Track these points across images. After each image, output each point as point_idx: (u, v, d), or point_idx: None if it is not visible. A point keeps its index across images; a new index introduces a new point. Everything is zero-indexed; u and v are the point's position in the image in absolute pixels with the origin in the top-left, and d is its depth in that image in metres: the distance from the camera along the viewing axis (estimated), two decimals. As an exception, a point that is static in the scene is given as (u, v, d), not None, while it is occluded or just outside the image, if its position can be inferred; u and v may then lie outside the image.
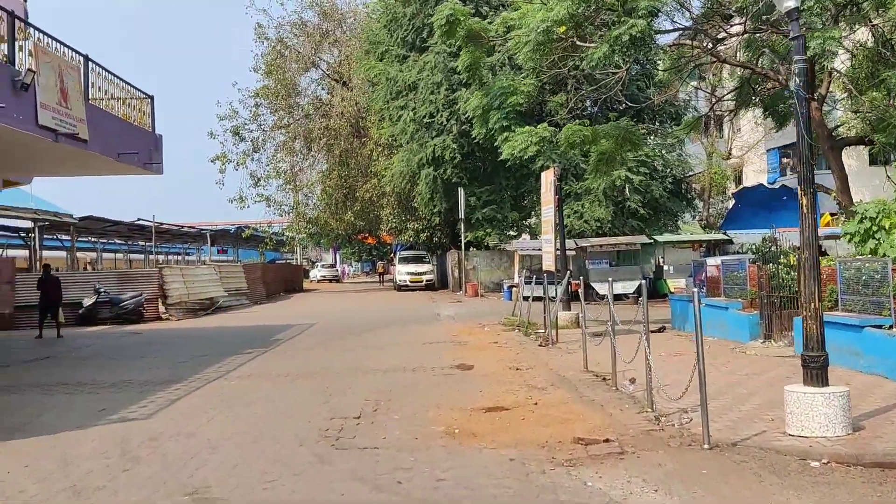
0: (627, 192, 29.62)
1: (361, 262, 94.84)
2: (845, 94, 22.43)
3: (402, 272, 44.11)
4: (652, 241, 30.22)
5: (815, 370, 7.29)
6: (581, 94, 20.85)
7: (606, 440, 7.34)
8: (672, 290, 25.70)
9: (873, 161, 33.82)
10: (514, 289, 27.47)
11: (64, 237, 36.57)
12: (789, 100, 18.50)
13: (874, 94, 17.92)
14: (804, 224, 7.53)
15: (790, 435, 7.20)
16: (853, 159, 31.40)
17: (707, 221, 41.19)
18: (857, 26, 17.30)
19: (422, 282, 43.01)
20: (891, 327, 10.36)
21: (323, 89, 47.88)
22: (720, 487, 5.96)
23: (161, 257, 57.39)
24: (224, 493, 6.24)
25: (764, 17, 15.24)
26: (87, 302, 24.27)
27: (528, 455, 6.98)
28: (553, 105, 26.47)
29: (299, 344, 17.41)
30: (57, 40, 15.02)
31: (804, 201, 7.49)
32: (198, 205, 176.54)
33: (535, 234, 33.99)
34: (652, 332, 9.72)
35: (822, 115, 18.39)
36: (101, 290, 24.65)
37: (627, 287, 26.70)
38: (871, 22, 16.81)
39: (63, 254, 39.31)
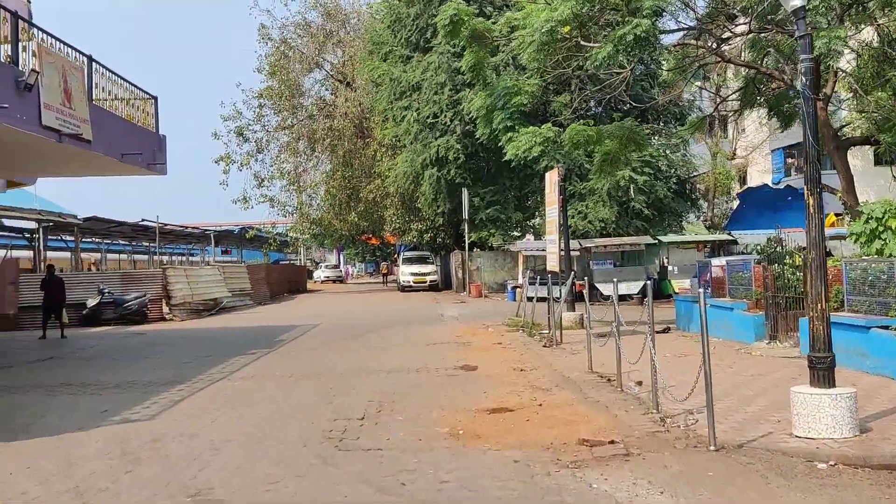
0: (632, 192, 29.55)
1: (365, 262, 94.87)
2: (850, 95, 22.38)
3: (406, 273, 44.08)
4: (656, 241, 30.14)
5: (822, 371, 7.23)
6: (585, 94, 20.84)
7: (612, 442, 7.29)
8: (676, 290, 25.62)
9: (878, 161, 33.73)
10: (517, 289, 27.41)
11: (68, 238, 36.61)
12: (794, 100, 18.47)
13: (880, 93, 17.90)
14: (811, 224, 7.48)
15: (797, 436, 7.15)
16: (858, 159, 31.29)
17: (711, 222, 41.13)
18: (863, 26, 17.26)
19: (425, 282, 42.98)
20: (897, 328, 10.30)
21: (326, 90, 47.91)
22: (726, 489, 5.91)
23: (165, 258, 57.48)
24: (227, 494, 6.20)
25: (769, 17, 15.20)
26: (91, 303, 24.27)
27: (533, 457, 6.94)
28: (557, 105, 26.42)
29: (303, 345, 17.39)
30: (60, 41, 15.00)
31: (811, 201, 7.44)
32: (198, 205, 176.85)
33: (539, 235, 33.92)
34: (656, 332, 9.66)
35: (827, 115, 18.32)
36: (105, 290, 24.65)
37: (632, 288, 26.62)
38: (876, 21, 16.77)
39: (67, 254, 39.37)
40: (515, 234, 36.58)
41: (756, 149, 42.09)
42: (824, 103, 17.45)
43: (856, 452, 6.63)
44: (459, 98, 31.88)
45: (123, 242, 50.31)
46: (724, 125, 42.96)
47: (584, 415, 8.63)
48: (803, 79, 7.53)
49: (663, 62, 22.35)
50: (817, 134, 7.63)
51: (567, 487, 6.07)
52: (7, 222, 31.22)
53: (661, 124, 32.78)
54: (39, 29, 14.35)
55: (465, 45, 18.84)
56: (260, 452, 7.46)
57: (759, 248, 17.80)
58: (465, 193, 34.03)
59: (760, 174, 42.29)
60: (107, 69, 17.06)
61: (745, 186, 40.11)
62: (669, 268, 29.06)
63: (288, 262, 69.25)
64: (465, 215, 34.38)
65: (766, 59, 17.21)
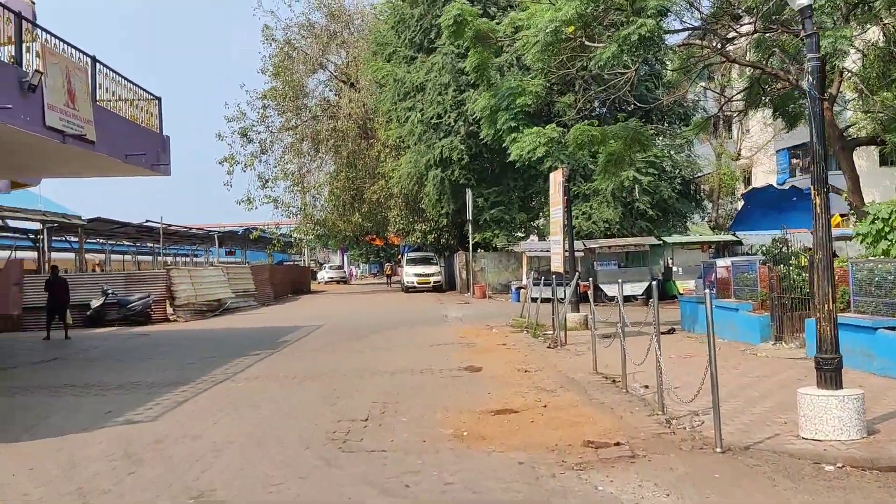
0: (637, 192, 29.50)
1: (369, 263, 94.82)
2: (856, 95, 22.30)
3: (410, 274, 44.06)
4: (660, 242, 30.09)
5: (829, 372, 7.18)
6: (589, 94, 20.79)
7: (617, 443, 7.24)
8: (681, 291, 25.58)
9: (884, 161, 33.67)
10: (521, 290, 27.38)
11: (72, 239, 36.63)
12: (800, 100, 18.40)
13: (885, 94, 17.82)
14: (817, 224, 7.42)
15: (804, 438, 7.09)
16: (863, 160, 31.22)
17: (716, 222, 41.05)
18: (869, 26, 17.19)
19: (429, 283, 42.95)
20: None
21: (330, 91, 47.94)
22: (733, 492, 5.86)
23: (169, 259, 57.50)
24: (229, 496, 6.17)
25: (773, 17, 15.13)
26: (95, 303, 24.27)
27: (538, 458, 6.89)
28: (561, 106, 26.42)
29: (307, 345, 17.36)
30: (64, 41, 15.00)
31: (817, 201, 7.38)
32: (199, 206, 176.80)
33: (543, 236, 33.92)
34: (661, 333, 9.61)
35: (833, 116, 18.26)
36: (109, 291, 24.65)
37: (636, 288, 26.58)
38: (882, 21, 16.70)
39: (71, 255, 39.40)
40: (519, 234, 36.57)
41: (761, 149, 41.99)
42: (830, 103, 17.41)
43: (863, 454, 6.58)
44: (463, 99, 31.89)
45: (128, 243, 50.36)
46: (728, 126, 42.88)
47: (589, 416, 8.57)
48: (810, 78, 7.49)
49: (668, 62, 22.30)
50: (824, 133, 7.58)
51: (572, 489, 6.02)
52: (11, 223, 31.25)
53: (666, 125, 32.73)
54: (43, 30, 14.35)
55: (469, 45, 18.82)
56: (262, 454, 7.43)
57: (764, 248, 17.73)
58: (468, 194, 34.01)
59: (765, 175, 42.20)
60: (110, 70, 17.06)
61: (750, 187, 40.03)
62: (674, 269, 29.01)
63: (292, 263, 69.29)
64: (469, 216, 34.36)
65: (771, 60, 17.13)
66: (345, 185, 45.27)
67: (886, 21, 16.71)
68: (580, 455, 6.95)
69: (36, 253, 34.39)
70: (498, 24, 19.07)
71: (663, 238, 30.38)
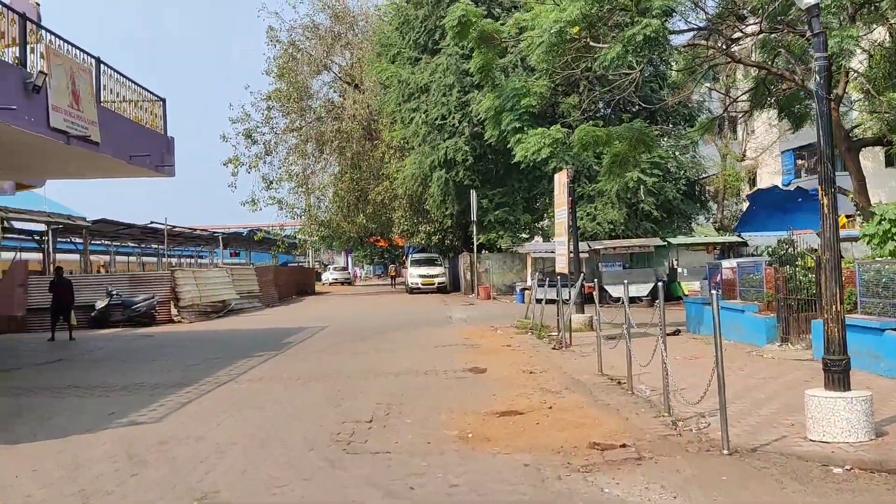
0: (642, 193, 29.43)
1: (373, 264, 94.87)
2: (862, 96, 22.21)
3: (414, 275, 44.03)
4: (665, 243, 30.01)
5: (837, 374, 7.12)
6: (594, 95, 20.73)
7: (623, 445, 7.19)
8: (686, 292, 25.50)
9: (890, 162, 33.57)
10: (526, 291, 27.32)
11: (77, 240, 36.68)
12: (805, 100, 18.33)
13: (892, 94, 17.72)
14: (825, 225, 7.37)
15: (811, 440, 7.04)
16: (869, 161, 31.10)
17: (721, 224, 40.93)
18: (875, 26, 17.12)
19: (434, 284, 42.92)
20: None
21: (335, 92, 47.97)
22: (741, 494, 5.81)
23: (174, 260, 57.54)
24: (233, 498, 6.14)
25: (779, 18, 15.08)
26: (100, 304, 24.28)
27: (543, 460, 6.85)
28: (566, 107, 26.35)
29: (311, 347, 17.33)
30: (69, 42, 15.01)
31: (825, 201, 7.33)
32: (200, 207, 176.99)
33: (547, 237, 33.86)
34: (667, 335, 9.55)
35: (839, 116, 18.17)
36: (114, 292, 24.66)
37: (641, 290, 26.52)
38: (888, 21, 16.63)
39: (76, 257, 39.46)
40: (524, 235, 36.51)
41: (766, 150, 41.90)
42: (836, 104, 17.31)
43: (872, 457, 6.52)
44: (468, 100, 31.85)
45: (132, 245, 50.41)
46: (733, 126, 42.77)
47: (595, 418, 8.53)
48: (817, 77, 7.43)
49: (673, 63, 22.23)
50: (831, 133, 7.53)
51: (578, 492, 5.98)
52: (16, 224, 31.29)
53: (671, 126, 32.67)
54: (48, 31, 14.35)
55: (474, 46, 18.78)
56: (266, 455, 7.40)
57: (770, 249, 17.67)
58: (473, 195, 33.97)
59: (770, 176, 42.11)
60: (115, 71, 17.07)
61: (755, 188, 39.96)
62: (679, 270, 28.92)
63: (296, 264, 69.29)
64: (474, 217, 34.32)
65: (776, 60, 17.08)
66: (349, 187, 45.28)
67: (892, 21, 16.64)
68: (586, 457, 6.90)
69: (41, 254, 34.44)
70: (502, 24, 19.00)
71: (668, 239, 30.29)
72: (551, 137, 18.18)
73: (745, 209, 36.53)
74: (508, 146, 19.90)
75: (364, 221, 47.04)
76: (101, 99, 16.18)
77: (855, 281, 11.71)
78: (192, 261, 63.19)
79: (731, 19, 16.92)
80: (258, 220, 53.61)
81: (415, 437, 7.96)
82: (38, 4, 17.12)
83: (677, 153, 32.71)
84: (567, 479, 6.28)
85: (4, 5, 13.12)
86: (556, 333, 16.19)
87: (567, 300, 16.73)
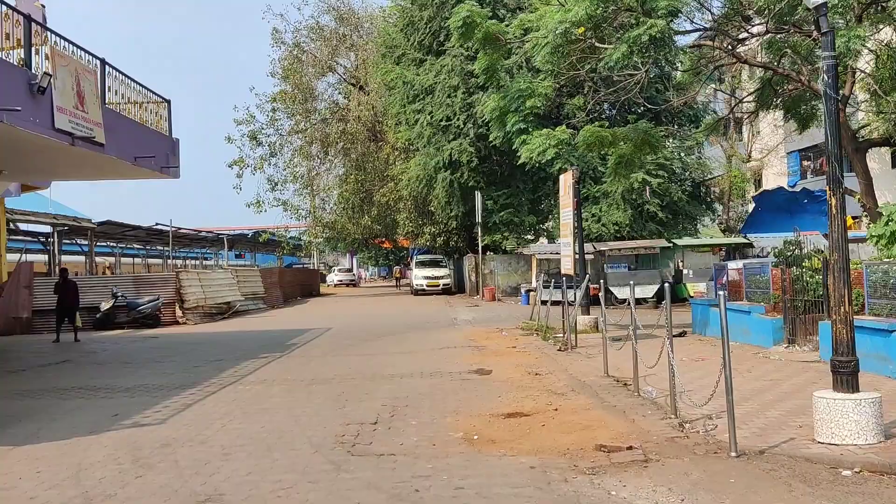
0: (647, 194, 29.36)
1: (378, 266, 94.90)
2: (869, 96, 22.11)
3: (419, 276, 44.00)
4: (671, 244, 29.94)
5: (846, 375, 7.06)
6: (599, 96, 20.67)
7: (630, 447, 7.14)
8: (691, 294, 25.44)
9: (895, 164, 33.40)
10: (531, 293, 27.28)
11: (82, 242, 36.74)
12: (812, 101, 18.25)
13: (899, 94, 17.62)
14: (833, 225, 7.30)
15: (819, 442, 6.98)
16: (875, 162, 30.99)
17: (727, 225, 40.84)
18: (882, 26, 17.04)
19: (439, 286, 42.89)
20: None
21: (340, 93, 48.01)
22: (749, 497, 5.75)
23: (179, 262, 57.62)
24: (237, 501, 6.09)
25: (786, 19, 15.01)
26: (105, 306, 24.28)
27: (550, 463, 6.80)
28: (571, 108, 26.31)
29: (315, 349, 17.30)
30: (74, 44, 15.02)
31: (833, 202, 7.27)
32: (208, 209, 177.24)
33: (552, 238, 33.82)
34: (673, 336, 9.50)
35: (845, 117, 18.08)
36: (119, 294, 24.66)
37: (646, 291, 26.47)
38: (895, 21, 16.54)
39: (82, 258, 39.53)
40: (529, 237, 36.47)
41: (771, 151, 41.79)
42: (842, 104, 17.23)
43: (881, 459, 6.46)
44: (473, 101, 31.82)
45: (138, 246, 50.50)
46: (739, 127, 42.67)
47: (601, 420, 8.48)
48: (825, 77, 7.37)
49: (678, 64, 22.18)
50: (839, 133, 7.46)
51: (585, 494, 5.93)
52: (22, 226, 31.35)
53: (676, 127, 32.57)
54: (53, 32, 14.37)
55: (479, 47, 18.72)
56: (271, 458, 7.36)
57: (776, 251, 17.60)
58: (478, 197, 33.92)
59: (776, 177, 41.99)
60: (120, 72, 17.08)
61: (761, 189, 39.83)
62: (684, 271, 28.88)
63: (301, 265, 69.36)
64: (479, 218, 34.26)
65: (782, 61, 17.00)
66: (354, 188, 45.30)
67: (900, 21, 16.55)
68: (592, 459, 6.86)
69: (46, 256, 34.53)
70: (507, 25, 18.97)
71: (673, 241, 30.24)
72: (556, 138, 18.16)
73: (750, 210, 36.45)
74: (513, 147, 19.88)
75: (369, 223, 47.06)
76: (106, 100, 16.19)
77: (862, 282, 11.65)
78: (197, 262, 63.31)
79: (737, 20, 16.86)
80: (263, 221, 53.65)
81: (420, 439, 7.91)
82: (44, 6, 17.15)
83: (682, 154, 32.63)
84: (573, 482, 6.23)
85: (9, 6, 13.14)
86: (561, 335, 16.14)
87: (572, 302, 16.68)
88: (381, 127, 43.45)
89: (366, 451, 7.51)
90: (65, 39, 14.68)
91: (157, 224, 40.93)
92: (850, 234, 21.28)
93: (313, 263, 75.27)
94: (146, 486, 6.58)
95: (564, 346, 15.18)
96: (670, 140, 31.02)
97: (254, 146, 45.31)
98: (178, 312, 25.95)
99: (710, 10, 16.65)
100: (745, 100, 21.97)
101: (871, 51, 18.02)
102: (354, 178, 45.09)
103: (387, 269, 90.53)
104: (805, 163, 40.12)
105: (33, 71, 13.31)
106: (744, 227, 33.96)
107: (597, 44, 14.81)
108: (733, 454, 6.74)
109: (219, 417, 9.45)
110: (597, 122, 19.50)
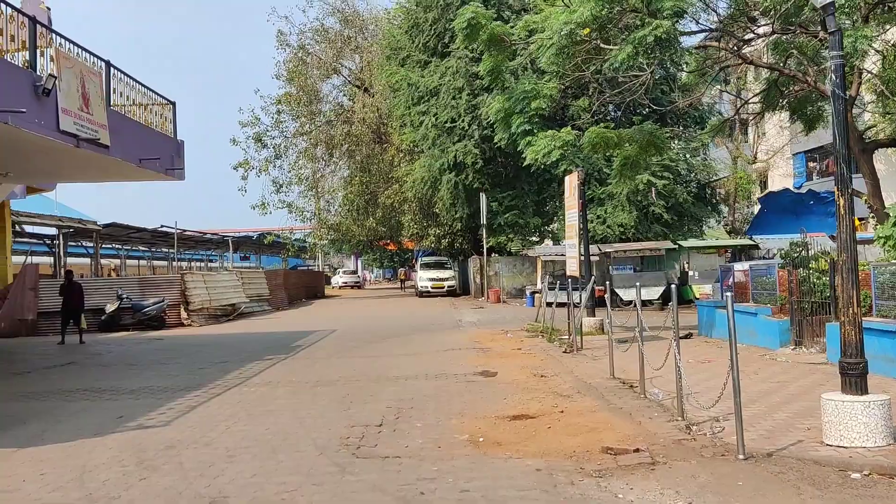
0: (653, 195, 29.30)
1: (383, 268, 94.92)
2: (875, 97, 22.02)
3: (424, 278, 43.96)
4: (676, 246, 29.86)
5: (854, 377, 7.01)
6: (604, 97, 20.62)
7: (636, 450, 7.09)
8: (697, 296, 25.36)
9: (902, 165, 33.24)
10: (536, 295, 27.22)
11: (88, 244, 36.78)
12: (818, 102, 18.18)
13: (906, 95, 17.56)
14: (842, 226, 7.24)
15: (828, 445, 6.92)
16: (881, 163, 30.84)
17: (732, 227, 40.72)
18: (889, 26, 16.96)
19: (443, 288, 42.85)
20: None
21: (344, 95, 48.01)
22: (758, 500, 5.70)
23: (184, 264, 57.67)
24: (241, 503, 6.06)
25: (792, 20, 14.95)
26: (110, 308, 24.30)
27: (556, 465, 6.75)
28: (576, 109, 26.26)
29: (320, 350, 17.28)
30: (79, 46, 15.04)
31: (841, 202, 7.21)
32: (213, 211, 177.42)
33: (557, 240, 33.77)
34: (679, 338, 9.44)
35: (852, 118, 18.01)
36: (124, 296, 24.68)
37: (652, 293, 26.41)
38: (902, 21, 16.46)
39: (87, 260, 39.58)
40: (534, 239, 36.43)
41: (777, 153, 41.65)
42: (849, 105, 17.16)
43: (891, 462, 6.39)
44: (477, 103, 31.81)
45: (143, 248, 50.56)
46: (744, 129, 42.54)
47: (607, 422, 8.42)
48: (833, 76, 7.32)
49: (683, 65, 22.12)
50: (847, 133, 7.41)
51: (591, 497, 5.88)
52: (28, 228, 31.39)
53: (681, 128, 32.51)
54: (58, 34, 14.38)
55: (483, 49, 18.68)
56: (275, 460, 7.32)
57: (782, 252, 17.53)
58: (483, 198, 33.90)
59: (782, 178, 41.83)
60: (125, 74, 17.09)
61: (766, 191, 39.68)
62: (690, 273, 28.79)
63: (306, 267, 69.40)
64: (484, 220, 34.24)
65: (788, 61, 16.93)
66: (359, 190, 45.30)
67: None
68: (599, 462, 6.81)
69: (52, 258, 34.55)
70: (512, 27, 18.92)
71: (679, 242, 30.16)
72: (561, 140, 18.09)
73: (756, 212, 36.32)
74: (518, 149, 19.82)
75: (374, 225, 47.05)
76: (111, 102, 16.20)
77: (870, 284, 11.58)
78: (203, 264, 63.36)
79: (743, 20, 16.80)
80: (268, 223, 53.62)
81: (425, 441, 7.87)
82: (49, 9, 17.17)
83: (688, 156, 32.57)
84: (580, 485, 6.18)
85: (15, 9, 13.16)
86: (566, 337, 16.09)
87: (578, 303, 16.63)
88: (385, 129, 43.45)
89: (371, 453, 7.47)
90: (70, 41, 14.69)
91: (162, 226, 41.00)
92: (857, 235, 21.19)
93: (318, 265, 75.35)
94: (150, 488, 6.55)
95: (570, 348, 15.13)
96: (676, 141, 30.98)
97: (259, 148, 45.36)
98: (183, 314, 25.96)
99: (715, 11, 16.59)
100: (750, 101, 21.88)
101: (877, 51, 17.94)
102: (359, 180, 45.09)
103: (391, 271, 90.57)
104: (811, 164, 39.98)
105: (38, 73, 13.33)
106: (749, 228, 33.81)
107: (602, 45, 14.77)
108: (741, 457, 6.69)
109: (223, 419, 9.42)
110: (602, 124, 19.47)
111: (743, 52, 17.10)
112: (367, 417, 9.18)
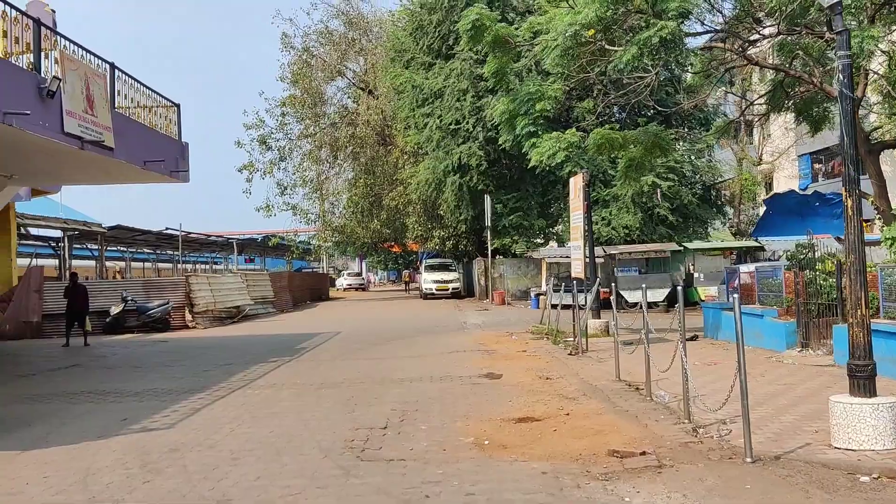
0: (658, 197, 29.23)
1: (387, 270, 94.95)
2: (881, 98, 21.94)
3: (428, 280, 43.92)
4: (681, 248, 29.79)
5: (863, 380, 6.95)
6: (609, 99, 20.57)
7: (643, 453, 7.03)
8: (702, 297, 25.28)
9: (907, 166, 33.14)
10: (541, 297, 27.17)
11: (93, 246, 36.83)
12: (823, 103, 18.10)
13: (912, 96, 17.48)
14: (850, 227, 7.19)
15: (836, 448, 6.86)
16: (887, 165, 30.75)
17: (738, 228, 40.64)
18: (895, 27, 16.88)
19: (448, 290, 42.80)
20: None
21: (349, 98, 48.01)
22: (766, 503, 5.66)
23: (189, 266, 57.74)
24: (246, 506, 6.04)
25: (798, 21, 14.89)
26: (115, 310, 24.32)
27: (562, 468, 6.70)
28: (580, 111, 26.20)
29: (325, 353, 17.25)
30: (83, 48, 15.03)
31: (849, 203, 7.16)
32: (218, 213, 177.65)
33: (562, 242, 33.71)
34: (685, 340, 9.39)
35: (858, 119, 17.93)
36: (129, 298, 24.69)
37: (657, 295, 26.32)
38: (908, 22, 16.38)
39: (92, 263, 39.63)
40: (538, 240, 36.37)
41: (783, 154, 41.57)
42: (856, 106, 17.08)
43: (900, 465, 6.35)
44: (482, 104, 31.78)
45: (148, 251, 50.63)
46: (749, 130, 42.47)
47: (613, 424, 8.37)
48: (840, 76, 7.27)
49: (688, 66, 22.06)
50: (855, 133, 7.36)
51: (598, 500, 5.83)
52: (33, 231, 31.44)
53: (686, 129, 32.44)
54: (62, 36, 14.37)
55: (488, 50, 18.64)
56: (280, 463, 7.29)
57: (788, 254, 17.47)
58: (487, 200, 33.86)
59: (787, 180, 41.76)
60: (129, 76, 17.09)
61: (772, 192, 39.60)
62: (695, 275, 28.72)
63: (310, 269, 69.42)
64: (488, 222, 34.20)
65: (794, 62, 16.87)
66: (363, 192, 45.30)
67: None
68: (605, 465, 6.76)
69: (57, 260, 34.60)
70: (517, 29, 18.87)
71: (684, 244, 30.09)
72: (566, 141, 18.04)
73: (761, 214, 36.23)
74: (523, 151, 19.76)
75: (378, 227, 47.05)
76: (116, 104, 16.19)
77: (877, 285, 11.51)
78: (207, 266, 63.41)
79: (748, 21, 16.74)
80: (273, 225, 53.94)
81: (430, 444, 7.83)
82: (54, 11, 17.18)
83: (693, 157, 32.50)
84: (586, 488, 6.14)
85: (19, 11, 13.15)
86: (572, 339, 16.04)
87: (583, 305, 16.58)
88: (390, 131, 43.43)
89: (375, 456, 7.43)
90: (74, 43, 14.69)
91: (167, 228, 41.06)
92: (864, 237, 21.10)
93: (323, 267, 75.39)
94: (154, 491, 6.52)
95: (575, 350, 15.08)
96: (681, 143, 30.92)
97: (263, 150, 45.38)
98: (188, 316, 25.97)
99: (721, 12, 16.54)
100: (756, 102, 21.82)
101: (883, 52, 17.87)
102: (364, 182, 45.09)
103: (396, 273, 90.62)
104: (816, 166, 39.90)
105: (42, 75, 13.32)
106: (755, 230, 33.76)
107: (607, 46, 14.72)
108: (749, 459, 6.63)
109: (228, 422, 9.39)
110: (607, 126, 19.39)
111: (748, 53, 17.04)
112: (372, 420, 9.15)
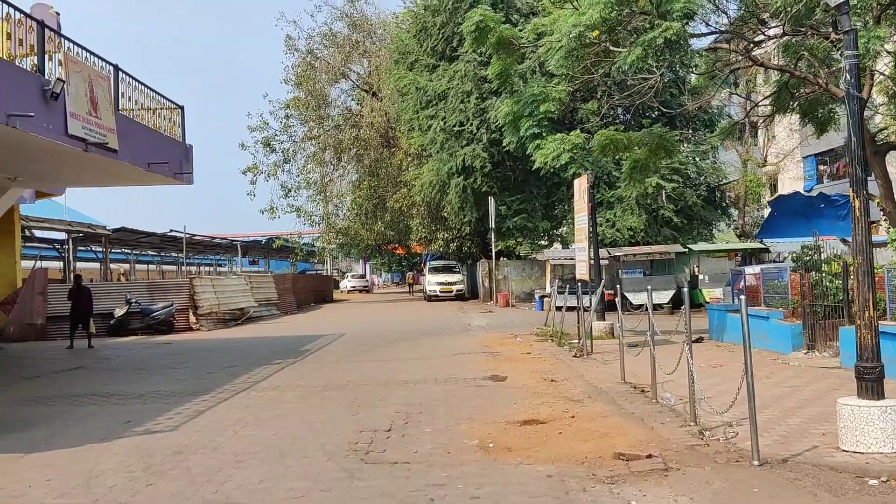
0: (662, 198, 29.16)
1: (391, 272, 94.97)
2: (887, 99, 21.87)
3: (432, 282, 43.90)
4: (686, 250, 29.72)
5: (871, 382, 6.89)
6: (614, 100, 20.52)
7: (649, 456, 6.98)
8: (707, 299, 25.21)
9: (912, 167, 33.03)
10: (545, 299, 27.11)
11: (97, 248, 36.87)
12: (829, 105, 18.03)
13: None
14: (857, 228, 7.13)
15: (844, 450, 6.81)
16: (893, 167, 30.64)
17: (742, 230, 40.52)
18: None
19: (452, 292, 42.76)
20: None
21: (353, 100, 48.09)
22: (773, 507, 5.60)
23: (193, 268, 57.78)
24: (249, 509, 6.00)
25: (804, 22, 14.83)
26: (119, 312, 24.32)
27: (567, 471, 6.65)
28: (584, 112, 26.16)
29: (328, 355, 17.21)
30: (87, 50, 15.02)
31: (856, 204, 7.11)
32: (222, 216, 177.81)
33: (566, 244, 33.68)
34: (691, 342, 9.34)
35: (864, 120, 17.86)
36: (133, 300, 24.70)
37: (662, 297, 26.26)
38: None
39: (96, 265, 39.67)
40: (543, 242, 36.35)
41: (787, 156, 41.46)
42: (862, 106, 17.01)
43: (909, 468, 6.29)
44: (486, 106, 31.76)
45: (152, 253, 50.69)
46: (754, 132, 42.35)
47: (619, 427, 8.32)
48: (847, 76, 7.21)
49: (693, 67, 22.00)
50: (862, 134, 7.31)
51: (604, 504, 5.79)
52: (37, 233, 31.47)
53: (691, 131, 32.38)
54: (66, 38, 14.36)
55: (492, 52, 18.61)
56: (283, 466, 7.25)
57: (794, 255, 17.39)
58: (491, 202, 33.83)
59: (792, 181, 41.65)
60: (133, 78, 17.07)
61: (777, 194, 39.47)
62: (700, 277, 28.64)
63: (314, 272, 69.41)
64: (492, 224, 34.17)
65: (799, 64, 16.81)
66: (367, 194, 45.32)
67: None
68: (611, 468, 6.71)
69: (61, 262, 34.64)
70: (521, 30, 18.85)
71: (689, 246, 30.01)
72: (570, 143, 18.01)
73: (766, 215, 36.12)
74: (527, 152, 19.74)
75: (382, 229, 47.05)
76: (120, 106, 16.18)
77: (884, 287, 11.45)
78: (211, 269, 63.49)
79: (753, 22, 16.68)
80: (277, 228, 54.02)
81: (434, 446, 7.79)
82: (58, 13, 17.18)
83: (697, 159, 32.44)
84: (592, 491, 6.09)
85: (23, 13, 13.15)
86: (576, 341, 15.99)
87: (587, 307, 16.53)
88: (394, 133, 43.46)
89: (379, 458, 7.39)
90: (78, 45, 14.68)
91: (171, 231, 41.16)
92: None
93: (326, 269, 75.39)
94: (157, 493, 6.48)
95: (580, 353, 15.02)
96: (685, 144, 30.85)
97: (267, 153, 45.48)
98: (192, 319, 25.96)
99: (726, 13, 16.48)
100: (760, 103, 21.73)
101: (889, 53, 17.80)
102: (367, 184, 45.11)
103: (400, 275, 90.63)
104: (821, 167, 39.80)
105: (46, 77, 13.31)
106: (760, 231, 33.62)
107: (611, 47, 14.68)
108: (756, 462, 6.58)
109: (231, 424, 9.36)
110: (611, 127, 19.34)
111: (753, 54, 16.99)
112: (376, 422, 9.11)
